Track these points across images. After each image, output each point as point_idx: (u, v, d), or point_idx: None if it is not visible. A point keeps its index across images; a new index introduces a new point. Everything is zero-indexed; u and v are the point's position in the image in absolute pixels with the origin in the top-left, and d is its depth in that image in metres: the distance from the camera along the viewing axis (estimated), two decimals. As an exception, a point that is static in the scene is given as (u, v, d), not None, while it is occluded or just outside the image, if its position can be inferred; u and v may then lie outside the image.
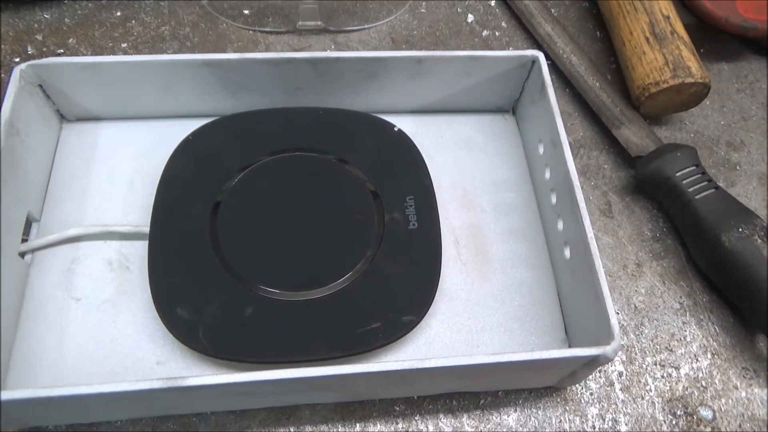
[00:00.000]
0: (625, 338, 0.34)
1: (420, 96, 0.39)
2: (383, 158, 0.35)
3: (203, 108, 0.37)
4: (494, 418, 0.31)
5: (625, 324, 0.35)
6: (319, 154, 0.35)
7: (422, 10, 0.47)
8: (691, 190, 0.36)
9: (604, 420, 0.32)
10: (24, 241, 0.33)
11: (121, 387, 0.25)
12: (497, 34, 0.46)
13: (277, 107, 0.37)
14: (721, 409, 0.33)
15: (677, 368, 0.34)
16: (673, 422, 0.32)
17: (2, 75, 0.40)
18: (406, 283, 0.31)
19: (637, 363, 0.34)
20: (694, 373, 0.33)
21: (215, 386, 0.25)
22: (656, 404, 0.32)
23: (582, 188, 0.32)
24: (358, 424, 0.31)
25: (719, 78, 0.45)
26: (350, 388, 0.29)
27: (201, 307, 0.30)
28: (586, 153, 0.41)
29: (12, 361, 0.30)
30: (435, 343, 0.32)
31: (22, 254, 0.32)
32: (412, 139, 0.36)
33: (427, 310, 0.31)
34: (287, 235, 0.32)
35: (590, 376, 0.33)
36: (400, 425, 0.31)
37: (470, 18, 0.47)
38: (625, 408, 0.32)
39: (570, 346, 0.33)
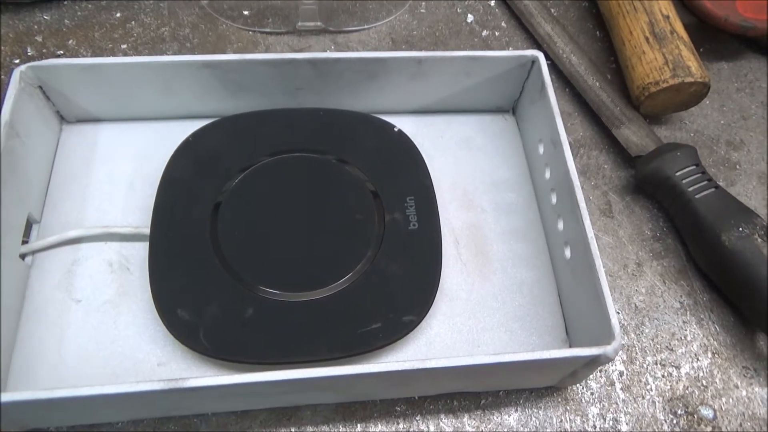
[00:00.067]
0: (626, 338, 0.34)
1: (420, 96, 0.39)
2: (383, 159, 0.35)
3: (203, 109, 0.37)
4: (495, 418, 0.31)
5: (625, 323, 0.35)
6: (320, 155, 0.35)
7: (422, 11, 0.47)
8: (691, 189, 0.36)
9: (605, 419, 0.32)
10: (24, 242, 0.33)
11: (121, 388, 0.25)
12: (497, 34, 0.46)
13: (278, 108, 0.37)
14: (721, 408, 0.33)
15: (678, 367, 0.34)
16: (674, 421, 0.32)
17: (2, 76, 0.40)
18: (407, 283, 0.31)
19: (637, 362, 0.34)
20: (695, 372, 0.33)
21: (216, 387, 0.25)
22: (657, 403, 0.32)
23: (582, 188, 0.32)
24: (359, 425, 0.31)
25: (719, 77, 0.45)
26: (351, 388, 0.29)
27: (201, 308, 0.30)
28: (586, 153, 0.41)
29: (12, 363, 0.30)
30: (436, 344, 0.32)
31: (23, 256, 0.32)
32: (412, 139, 0.36)
33: (427, 311, 0.31)
34: (288, 235, 0.32)
35: (591, 376, 0.33)
36: (401, 425, 0.31)
37: (470, 18, 0.47)
38: (626, 407, 0.32)
39: (571, 346, 0.33)
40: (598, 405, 0.32)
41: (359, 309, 0.30)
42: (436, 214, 0.34)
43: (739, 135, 0.43)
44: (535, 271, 0.35)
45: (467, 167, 0.38)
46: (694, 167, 0.36)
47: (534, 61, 0.37)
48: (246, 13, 0.45)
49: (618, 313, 0.35)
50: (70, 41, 0.43)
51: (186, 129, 0.35)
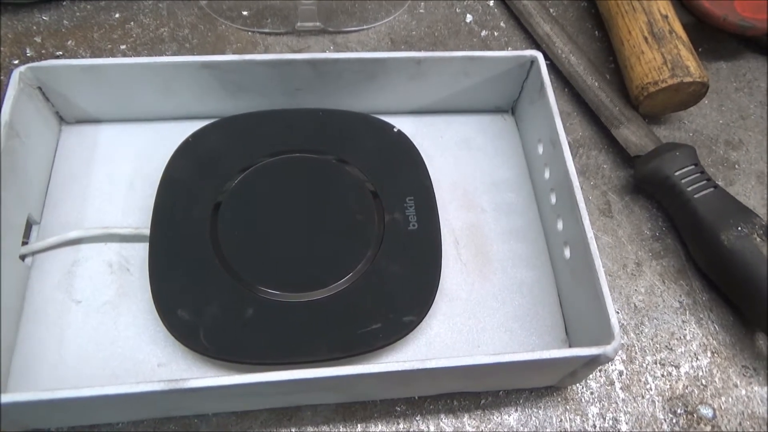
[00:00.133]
0: (625, 337, 0.34)
1: (419, 96, 0.39)
2: (383, 159, 0.35)
3: (203, 109, 0.37)
4: (495, 417, 0.31)
5: (625, 323, 0.35)
6: (319, 155, 0.35)
7: (421, 11, 0.47)
8: (690, 189, 0.36)
9: (604, 419, 0.32)
10: (24, 243, 0.33)
11: (122, 389, 0.25)
12: (496, 34, 0.46)
13: (277, 108, 0.37)
14: (721, 408, 0.33)
15: (677, 367, 0.34)
16: (674, 421, 0.32)
17: (1, 77, 0.40)
18: (407, 283, 0.31)
19: (637, 362, 0.34)
20: (694, 371, 0.34)
21: (216, 388, 0.25)
22: (656, 403, 0.32)
23: (581, 188, 0.32)
24: (359, 425, 0.31)
25: (718, 77, 0.45)
26: (351, 388, 0.29)
27: (202, 309, 0.30)
28: (586, 153, 0.41)
29: (13, 364, 0.30)
30: (436, 344, 0.32)
31: (23, 257, 0.32)
32: (412, 139, 0.36)
33: (427, 311, 0.31)
34: (288, 236, 0.32)
35: (591, 376, 0.33)
36: (401, 425, 0.31)
37: (469, 18, 0.47)
38: (626, 407, 0.32)
39: (570, 346, 0.33)
40: (597, 404, 0.32)
41: (359, 309, 0.30)
42: (435, 214, 0.34)
43: (738, 134, 0.43)
44: (534, 271, 0.35)
45: (467, 167, 0.38)
46: (693, 167, 0.36)
47: (533, 61, 0.37)
48: (245, 13, 0.45)
49: (617, 312, 0.35)
50: (69, 42, 0.43)
51: (185, 129, 0.35)
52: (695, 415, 0.32)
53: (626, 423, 0.32)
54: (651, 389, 0.33)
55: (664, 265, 0.37)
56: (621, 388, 0.33)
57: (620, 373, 0.33)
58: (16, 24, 0.43)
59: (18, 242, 0.32)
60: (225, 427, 0.30)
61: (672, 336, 0.35)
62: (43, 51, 0.42)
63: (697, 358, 0.34)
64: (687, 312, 0.35)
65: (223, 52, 0.43)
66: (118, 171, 0.36)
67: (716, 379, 0.33)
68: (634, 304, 0.35)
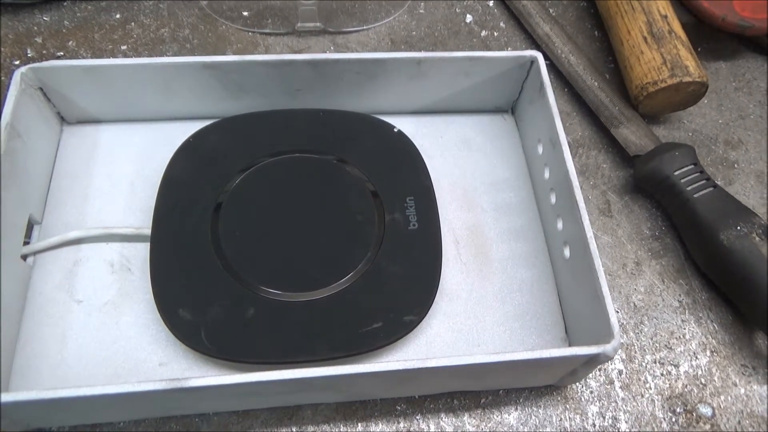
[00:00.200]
0: (625, 336, 0.34)
1: (419, 97, 0.39)
2: (383, 159, 0.35)
3: (203, 110, 0.38)
4: (495, 416, 0.32)
5: (624, 322, 0.35)
6: (320, 156, 0.35)
7: (421, 11, 0.47)
8: (689, 188, 0.36)
9: (604, 418, 0.32)
10: (26, 243, 0.33)
11: (123, 388, 0.25)
12: (496, 34, 0.46)
13: (278, 109, 0.37)
14: (720, 406, 0.33)
15: (677, 366, 0.34)
16: (673, 419, 0.32)
17: (2, 78, 0.40)
18: (407, 283, 0.31)
19: (636, 361, 0.34)
20: (694, 370, 0.34)
21: (217, 387, 0.25)
22: (656, 402, 0.33)
23: (581, 188, 0.32)
24: (359, 424, 0.31)
25: (717, 77, 0.46)
26: (352, 387, 0.29)
27: (203, 309, 0.30)
28: (585, 152, 0.41)
29: (14, 363, 0.30)
30: (436, 343, 0.33)
31: (24, 257, 0.32)
32: (412, 139, 0.36)
33: (427, 310, 0.31)
34: (288, 236, 0.32)
35: (590, 375, 0.33)
36: (401, 424, 0.31)
37: (469, 18, 0.47)
38: (625, 406, 0.32)
39: (570, 345, 0.33)
40: (597, 403, 0.32)
41: (360, 309, 0.31)
42: (435, 214, 0.34)
43: (737, 134, 0.43)
44: (534, 271, 0.35)
45: (467, 167, 0.39)
46: (692, 166, 0.36)
47: (533, 62, 0.37)
48: (245, 14, 0.45)
49: (617, 312, 0.35)
50: (70, 42, 0.43)
51: (186, 130, 0.35)
52: (694, 414, 0.32)
53: (626, 422, 0.32)
54: (650, 388, 0.33)
55: (664, 265, 0.37)
56: (620, 387, 0.33)
57: (620, 372, 0.33)
58: (17, 24, 0.43)
59: (19, 242, 0.32)
60: (226, 426, 0.30)
61: (671, 335, 0.35)
62: (44, 51, 0.42)
63: (696, 357, 0.34)
64: (686, 311, 0.35)
65: (223, 53, 0.43)
66: (119, 171, 0.36)
67: (715, 378, 0.33)
68: (634, 304, 0.35)
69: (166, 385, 0.25)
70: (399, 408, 0.31)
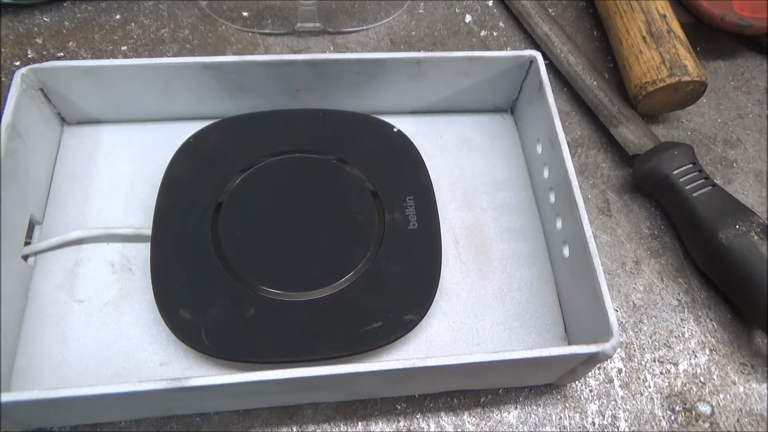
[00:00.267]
0: (624, 335, 0.34)
1: (419, 97, 0.39)
2: (383, 159, 0.35)
3: (204, 110, 0.38)
4: (495, 415, 0.32)
5: (623, 321, 0.35)
6: (320, 156, 0.35)
7: (420, 11, 0.47)
8: (688, 187, 0.36)
9: (603, 416, 0.32)
10: (27, 244, 0.33)
11: (124, 388, 0.25)
12: (495, 34, 0.46)
13: (277, 109, 0.37)
14: (719, 405, 0.33)
15: (676, 364, 0.34)
16: (672, 418, 0.32)
17: (3, 79, 0.40)
18: (407, 282, 0.32)
19: (635, 360, 0.34)
20: (693, 369, 0.34)
21: (218, 386, 0.25)
22: (655, 400, 0.33)
23: (580, 187, 0.32)
24: (360, 423, 0.31)
25: (716, 76, 0.46)
26: (352, 387, 0.30)
27: (203, 308, 0.30)
28: (584, 152, 0.41)
29: (15, 363, 0.30)
30: (436, 342, 0.33)
31: (25, 257, 0.33)
32: (412, 139, 0.36)
33: (427, 310, 0.31)
34: (288, 235, 0.32)
35: (590, 373, 0.33)
36: (401, 424, 0.31)
37: (468, 18, 0.47)
38: (625, 404, 0.32)
39: (569, 344, 0.33)
40: (596, 402, 0.32)
41: (360, 308, 0.31)
42: (435, 213, 0.34)
43: (736, 133, 0.43)
44: (534, 270, 0.35)
45: (466, 167, 0.39)
46: (691, 166, 0.36)
47: (532, 61, 0.37)
48: (245, 14, 0.45)
49: (616, 310, 0.35)
50: (70, 43, 0.43)
51: (186, 130, 0.35)
52: (694, 412, 0.33)
53: (625, 420, 0.32)
54: (650, 387, 0.33)
55: (663, 264, 0.37)
56: (620, 386, 0.33)
57: (619, 371, 0.33)
58: (17, 25, 0.43)
59: (20, 242, 0.32)
60: (227, 425, 0.30)
61: (670, 334, 0.35)
62: (44, 52, 0.42)
63: (695, 356, 0.34)
64: (685, 310, 0.36)
65: (223, 53, 0.43)
66: (119, 171, 0.36)
67: (714, 377, 0.34)
68: (633, 302, 0.36)
69: (166, 385, 0.25)
70: (399, 407, 0.32)
